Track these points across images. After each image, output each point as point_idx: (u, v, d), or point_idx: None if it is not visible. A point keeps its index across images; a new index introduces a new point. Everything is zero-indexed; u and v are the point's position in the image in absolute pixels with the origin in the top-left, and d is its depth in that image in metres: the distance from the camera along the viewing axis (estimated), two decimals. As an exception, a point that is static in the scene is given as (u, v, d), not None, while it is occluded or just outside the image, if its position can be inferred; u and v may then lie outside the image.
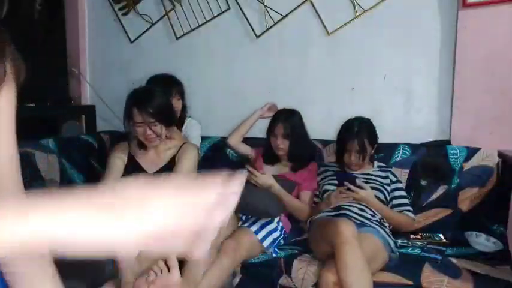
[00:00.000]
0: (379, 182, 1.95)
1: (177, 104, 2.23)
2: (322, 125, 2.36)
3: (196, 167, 1.89)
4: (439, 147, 2.11)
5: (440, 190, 2.04)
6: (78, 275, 1.44)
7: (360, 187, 1.85)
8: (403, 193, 1.95)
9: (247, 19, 2.51)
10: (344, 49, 2.35)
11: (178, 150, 1.88)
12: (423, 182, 2.07)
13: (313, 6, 2.37)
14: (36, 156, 2.05)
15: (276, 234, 1.89)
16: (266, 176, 1.98)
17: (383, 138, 2.07)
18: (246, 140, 2.38)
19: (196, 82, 2.61)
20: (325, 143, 2.32)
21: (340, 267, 1.46)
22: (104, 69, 2.94)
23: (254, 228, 1.85)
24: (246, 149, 2.32)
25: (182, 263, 1.55)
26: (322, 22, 2.37)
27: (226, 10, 2.56)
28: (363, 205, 1.83)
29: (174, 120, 1.95)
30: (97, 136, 2.55)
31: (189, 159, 1.85)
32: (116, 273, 1.51)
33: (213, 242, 1.44)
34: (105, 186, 0.36)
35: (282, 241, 1.94)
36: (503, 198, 1.86)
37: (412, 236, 1.93)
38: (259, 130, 2.35)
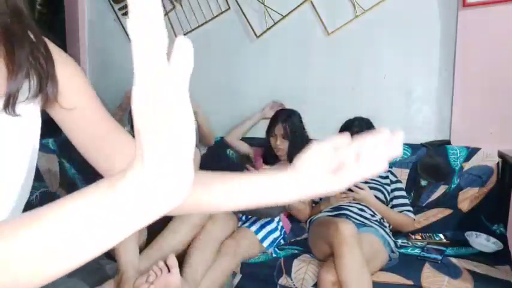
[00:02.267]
0: (379, 182, 1.95)
1: None
2: (322, 125, 2.36)
3: (197, 166, 1.90)
4: (439, 147, 2.11)
5: (440, 190, 2.04)
6: (79, 273, 1.44)
7: (360, 188, 1.85)
8: (403, 193, 1.95)
9: (247, 19, 2.52)
10: (344, 49, 2.35)
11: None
12: (423, 182, 2.07)
13: (313, 6, 2.37)
14: (36, 156, 2.05)
15: (276, 234, 1.89)
16: (266, 176, 1.98)
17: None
18: (246, 140, 2.38)
19: (196, 82, 2.60)
20: (325, 143, 2.32)
21: (339, 267, 1.46)
22: (104, 69, 2.94)
23: (254, 228, 1.85)
24: (244, 147, 2.33)
25: (182, 263, 1.55)
26: (322, 22, 2.37)
27: (226, 10, 2.56)
28: (363, 205, 1.83)
29: None
30: (97, 136, 2.55)
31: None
32: (116, 272, 1.51)
33: (213, 242, 1.42)
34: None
35: (282, 241, 1.94)
36: (503, 198, 1.86)
37: (412, 236, 1.93)
38: (260, 130, 2.35)
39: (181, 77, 0.27)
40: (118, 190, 0.29)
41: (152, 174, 0.28)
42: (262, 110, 2.42)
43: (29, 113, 0.53)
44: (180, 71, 0.26)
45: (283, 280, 1.70)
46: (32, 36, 0.53)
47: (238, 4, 2.52)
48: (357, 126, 1.93)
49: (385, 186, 1.95)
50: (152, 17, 0.25)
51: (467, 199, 1.99)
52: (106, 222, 0.29)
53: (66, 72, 0.58)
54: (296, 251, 1.83)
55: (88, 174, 2.42)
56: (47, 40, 0.58)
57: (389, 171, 2.00)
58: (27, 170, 0.54)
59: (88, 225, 0.29)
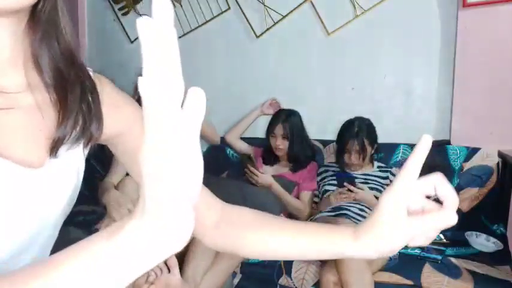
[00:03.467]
0: (379, 182, 1.95)
1: None
2: (322, 125, 2.36)
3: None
4: (439, 147, 2.11)
5: (440, 190, 2.04)
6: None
7: (361, 189, 1.86)
8: (403, 193, 1.95)
9: (247, 19, 2.51)
10: (344, 49, 2.35)
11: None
12: (423, 182, 2.07)
13: (313, 6, 2.37)
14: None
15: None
16: (266, 176, 1.98)
17: (383, 138, 2.07)
18: (246, 140, 2.38)
19: (196, 82, 2.57)
20: (325, 143, 2.32)
21: (340, 267, 1.46)
22: (104, 69, 2.93)
23: (254, 228, 1.85)
24: (244, 147, 2.33)
25: (182, 263, 1.55)
26: (322, 22, 2.37)
27: (226, 10, 2.56)
28: (363, 205, 1.83)
29: None
30: (97, 136, 2.55)
31: None
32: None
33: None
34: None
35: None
36: (503, 198, 1.86)
37: (412, 236, 1.93)
38: (259, 130, 2.35)
39: (193, 127, 0.26)
40: (115, 242, 0.29)
41: (152, 226, 0.28)
42: (261, 105, 2.43)
43: (71, 153, 0.52)
44: (192, 122, 0.26)
45: (283, 280, 1.70)
46: (82, 77, 0.52)
47: (238, 4, 2.52)
48: (357, 126, 1.93)
49: (385, 186, 1.95)
50: (170, 66, 0.25)
51: (467, 199, 1.99)
52: (105, 274, 0.29)
53: (123, 117, 0.58)
54: (296, 251, 1.82)
55: (88, 174, 2.42)
56: (104, 80, 0.58)
57: (389, 171, 2.00)
58: (64, 207, 0.53)
59: (88, 279, 0.30)
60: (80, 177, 0.55)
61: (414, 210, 0.47)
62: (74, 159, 0.53)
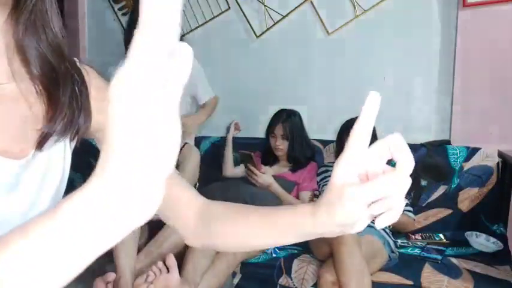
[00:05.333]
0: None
1: None
2: (322, 125, 2.36)
3: (198, 167, 1.90)
4: (439, 147, 2.11)
5: (440, 190, 2.04)
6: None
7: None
8: (403, 193, 1.95)
9: (247, 19, 2.51)
10: (344, 49, 2.35)
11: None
12: (423, 182, 2.07)
13: (313, 6, 2.37)
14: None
15: (276, 234, 1.89)
16: (266, 176, 1.98)
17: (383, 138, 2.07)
18: (246, 140, 2.39)
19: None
20: (325, 143, 2.32)
21: (338, 267, 1.46)
22: (104, 69, 2.93)
23: (254, 228, 1.85)
24: (242, 169, 2.31)
25: (181, 263, 1.55)
26: (322, 22, 2.36)
27: (226, 10, 2.56)
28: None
29: None
30: (97, 136, 2.55)
31: (192, 161, 1.88)
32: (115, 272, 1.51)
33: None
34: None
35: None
36: (503, 198, 1.86)
37: (412, 236, 1.93)
38: (259, 130, 2.35)
39: (174, 87, 0.23)
40: (58, 215, 0.25)
41: (114, 188, 0.24)
42: (229, 131, 2.44)
43: (56, 146, 0.51)
44: (174, 81, 0.23)
45: (283, 280, 1.70)
46: (71, 69, 0.51)
47: (238, 4, 2.51)
48: (357, 126, 1.93)
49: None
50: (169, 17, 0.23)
51: (467, 199, 1.99)
52: (56, 252, 0.26)
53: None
54: (296, 251, 1.83)
55: (88, 174, 2.42)
56: (91, 71, 0.56)
57: (389, 171, 2.01)
58: (50, 203, 0.52)
59: (37, 257, 0.26)
60: (66, 170, 0.54)
61: (374, 174, 0.43)
62: (59, 152, 0.52)
